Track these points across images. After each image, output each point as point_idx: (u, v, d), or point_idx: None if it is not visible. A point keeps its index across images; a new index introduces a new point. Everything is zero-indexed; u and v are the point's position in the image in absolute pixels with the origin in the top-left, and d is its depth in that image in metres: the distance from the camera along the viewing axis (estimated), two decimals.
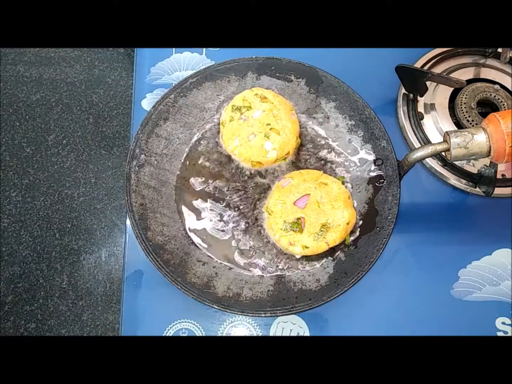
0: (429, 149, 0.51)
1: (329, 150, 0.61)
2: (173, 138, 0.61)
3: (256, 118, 0.59)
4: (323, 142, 0.62)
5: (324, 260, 0.55)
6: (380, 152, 0.58)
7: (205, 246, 0.56)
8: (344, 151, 0.61)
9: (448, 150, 0.50)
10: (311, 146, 0.62)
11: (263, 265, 0.55)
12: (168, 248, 0.54)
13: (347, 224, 0.54)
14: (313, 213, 0.54)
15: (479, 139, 0.49)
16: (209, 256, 0.55)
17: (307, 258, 0.55)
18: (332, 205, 0.54)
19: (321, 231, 0.53)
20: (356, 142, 0.61)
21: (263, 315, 0.50)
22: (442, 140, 0.52)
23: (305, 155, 0.61)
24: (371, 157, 0.59)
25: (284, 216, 0.54)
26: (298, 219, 0.54)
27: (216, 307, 0.49)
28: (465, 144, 0.49)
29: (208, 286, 0.52)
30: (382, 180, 0.57)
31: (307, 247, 0.53)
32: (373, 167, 0.59)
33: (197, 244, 0.56)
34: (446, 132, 0.50)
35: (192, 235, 0.57)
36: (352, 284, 0.51)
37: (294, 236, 0.53)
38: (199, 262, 0.55)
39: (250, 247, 0.56)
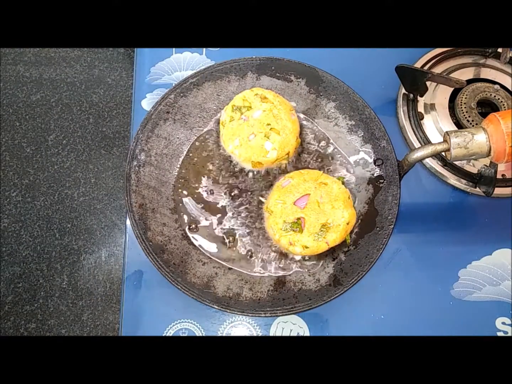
0: (429, 149, 0.51)
1: (329, 150, 0.61)
2: (173, 138, 0.61)
3: (256, 118, 0.59)
4: (323, 142, 0.62)
5: (324, 260, 0.55)
6: (380, 152, 0.58)
7: (205, 246, 0.56)
8: (344, 151, 0.61)
9: (448, 150, 0.50)
10: (311, 146, 0.62)
11: (263, 265, 0.55)
12: (168, 248, 0.54)
13: (347, 224, 0.54)
14: (313, 213, 0.54)
15: (479, 139, 0.49)
16: (208, 256, 0.55)
17: (307, 258, 0.55)
18: (332, 205, 0.54)
19: (321, 231, 0.53)
20: (356, 142, 0.61)
21: (263, 315, 0.50)
22: (442, 140, 0.52)
23: (305, 155, 0.61)
24: (371, 157, 0.59)
25: (284, 216, 0.54)
26: (298, 219, 0.54)
27: (216, 307, 0.49)
28: (465, 144, 0.49)
29: (208, 286, 0.52)
30: (382, 180, 0.57)
31: (307, 247, 0.53)
32: (373, 167, 0.59)
33: (196, 245, 0.56)
34: (446, 132, 0.50)
35: (191, 235, 0.57)
36: (352, 284, 0.51)
37: (294, 236, 0.53)
38: (199, 262, 0.55)
39: (250, 247, 0.56)
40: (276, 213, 0.55)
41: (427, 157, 0.53)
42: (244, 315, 0.51)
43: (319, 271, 0.54)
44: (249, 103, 0.60)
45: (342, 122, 0.62)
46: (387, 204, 0.55)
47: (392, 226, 0.53)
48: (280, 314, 0.50)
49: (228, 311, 0.49)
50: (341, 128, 0.62)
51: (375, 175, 0.58)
